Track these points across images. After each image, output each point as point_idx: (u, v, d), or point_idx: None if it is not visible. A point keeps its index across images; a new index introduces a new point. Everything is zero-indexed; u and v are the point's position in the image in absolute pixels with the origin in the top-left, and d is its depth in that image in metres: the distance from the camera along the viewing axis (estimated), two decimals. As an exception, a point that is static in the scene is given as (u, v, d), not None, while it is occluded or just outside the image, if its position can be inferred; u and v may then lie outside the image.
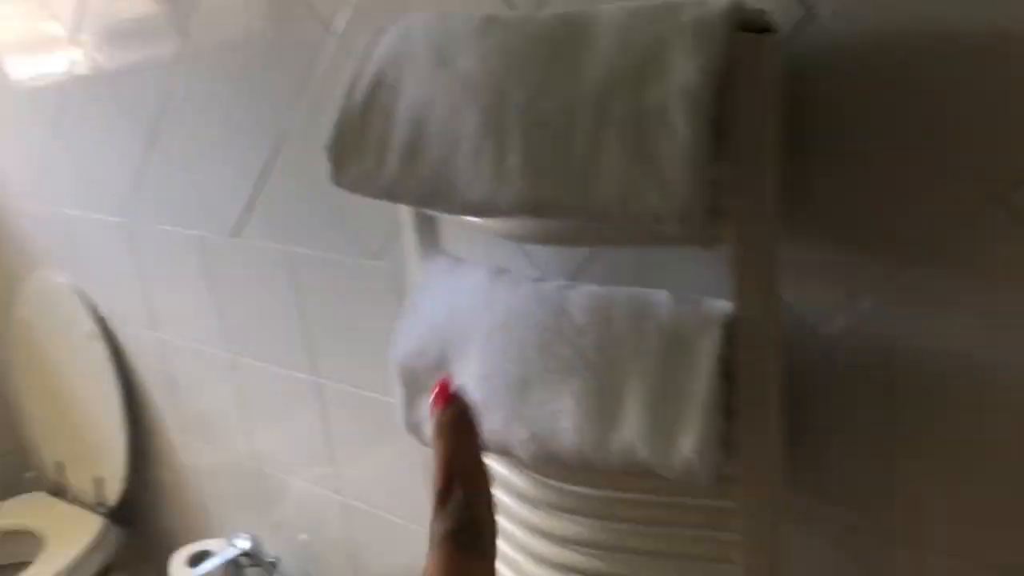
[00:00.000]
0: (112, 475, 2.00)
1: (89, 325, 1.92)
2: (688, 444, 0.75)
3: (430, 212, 0.93)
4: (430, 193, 0.74)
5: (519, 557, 1.03)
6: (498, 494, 1.02)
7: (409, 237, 0.99)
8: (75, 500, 2.17)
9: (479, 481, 0.40)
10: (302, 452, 1.54)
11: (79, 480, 2.14)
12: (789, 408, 0.82)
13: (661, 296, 0.80)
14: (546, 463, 0.94)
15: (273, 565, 1.67)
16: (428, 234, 0.99)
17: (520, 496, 0.99)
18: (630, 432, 0.77)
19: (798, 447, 0.89)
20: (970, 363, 0.77)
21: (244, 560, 1.66)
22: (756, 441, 0.81)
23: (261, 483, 1.67)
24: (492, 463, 1.01)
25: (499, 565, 1.08)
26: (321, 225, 1.30)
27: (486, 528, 0.39)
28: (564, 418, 0.80)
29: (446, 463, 0.40)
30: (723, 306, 0.78)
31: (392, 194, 0.78)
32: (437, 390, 0.43)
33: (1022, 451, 0.77)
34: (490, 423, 0.84)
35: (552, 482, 0.96)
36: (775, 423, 0.81)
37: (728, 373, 0.78)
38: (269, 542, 1.70)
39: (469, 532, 0.38)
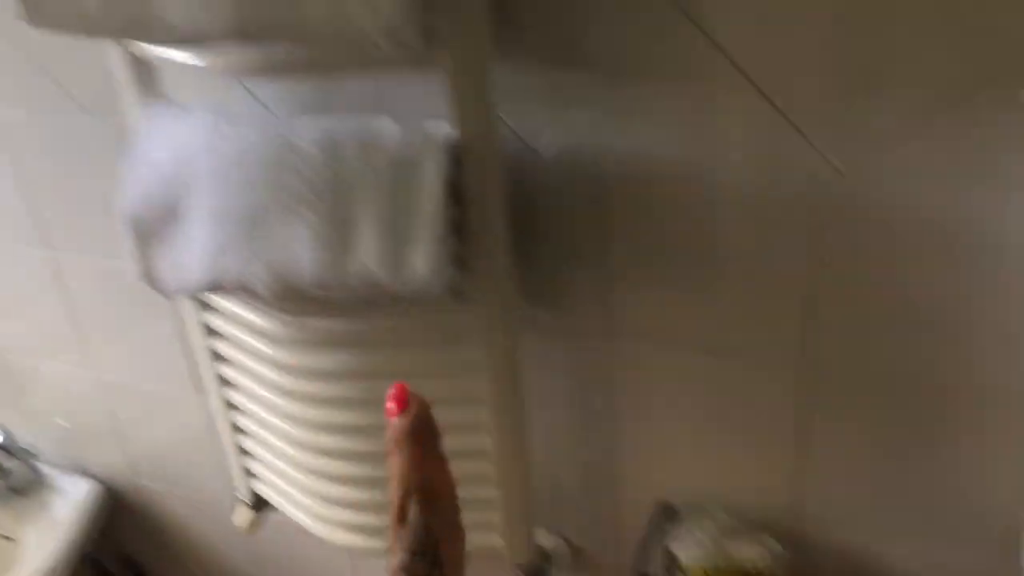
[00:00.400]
0: None
1: None
2: (420, 262, 0.79)
3: (142, 54, 0.88)
4: (131, 21, 0.71)
5: (271, 396, 1.06)
6: (244, 337, 1.03)
7: (125, 84, 0.94)
8: None
9: (439, 494, 0.36)
10: (48, 334, 1.47)
11: None
12: (516, 225, 0.88)
13: (387, 123, 0.82)
14: (289, 298, 0.95)
15: (30, 454, 1.60)
16: (146, 80, 0.94)
17: (267, 336, 1.01)
18: (366, 256, 0.80)
19: (526, 262, 0.95)
20: (674, 169, 0.86)
21: (-2, 453, 1.58)
22: (486, 258, 0.87)
23: (5, 372, 1.58)
24: (235, 307, 1.02)
25: (254, 407, 1.10)
26: (27, 83, 1.19)
27: (444, 550, 0.36)
28: (301, 249, 0.82)
29: (402, 479, 0.36)
30: (447, 130, 0.81)
31: (92, 27, 0.74)
32: (392, 395, 0.40)
33: (718, 242, 0.87)
34: (227, 262, 0.84)
35: (297, 318, 0.98)
36: (502, 240, 0.87)
37: (455, 194, 0.82)
38: (24, 431, 1.62)
39: (425, 560, 0.35)
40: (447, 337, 0.94)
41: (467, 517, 1.03)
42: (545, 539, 1.15)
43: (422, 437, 0.36)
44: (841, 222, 0.81)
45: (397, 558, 0.33)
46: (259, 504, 1.24)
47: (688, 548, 0.97)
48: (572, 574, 1.18)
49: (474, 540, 1.04)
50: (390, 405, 0.37)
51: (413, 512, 0.33)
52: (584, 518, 1.13)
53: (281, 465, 1.13)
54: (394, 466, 0.35)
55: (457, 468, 1.01)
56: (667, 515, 1.01)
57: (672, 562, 1.00)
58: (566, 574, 1.17)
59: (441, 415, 0.98)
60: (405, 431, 0.36)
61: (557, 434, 1.07)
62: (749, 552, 0.95)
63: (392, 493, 0.34)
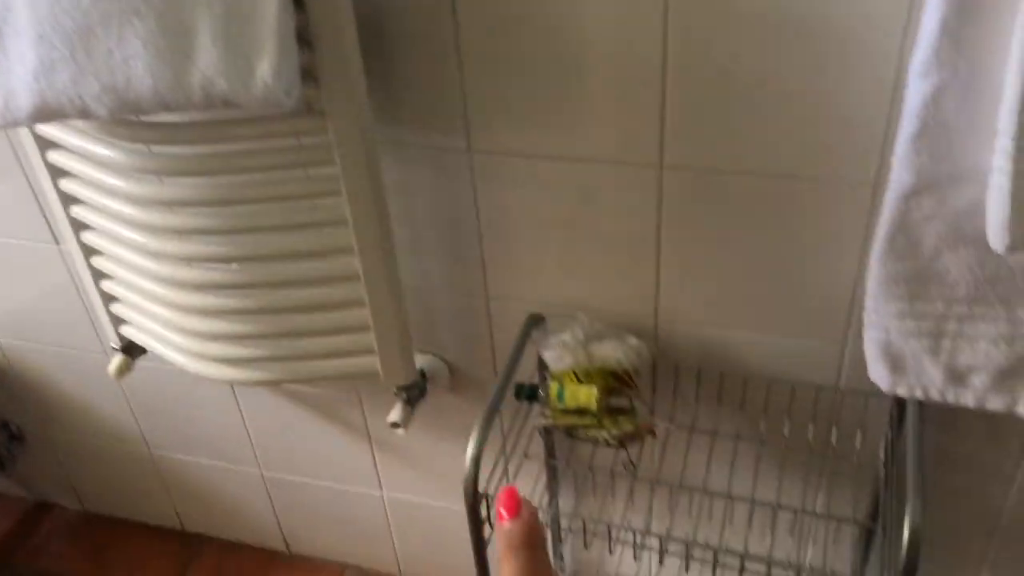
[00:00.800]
0: None
1: None
2: (264, 69, 0.76)
3: None
4: None
5: (129, 233, 1.03)
6: (93, 172, 0.99)
7: None
8: None
9: None
10: None
11: None
12: (366, 40, 0.85)
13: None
14: (131, 121, 0.92)
15: None
16: None
17: (115, 168, 0.97)
18: (206, 65, 0.77)
19: (380, 79, 0.93)
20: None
21: None
22: (335, 69, 0.84)
23: None
24: (79, 140, 0.97)
25: (115, 248, 1.06)
26: None
27: None
28: (135, 63, 0.77)
29: None
30: (283, -70, 0.77)
31: None
32: (503, 498, 0.39)
33: (572, 48, 0.87)
34: (56, 81, 0.79)
35: (145, 145, 0.94)
36: (352, 50, 0.84)
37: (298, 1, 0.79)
38: None
39: None
40: (304, 157, 0.92)
41: (344, 341, 1.06)
42: (422, 360, 1.18)
43: (535, 542, 0.37)
44: (692, 12, 0.81)
45: None
46: (132, 350, 1.22)
47: (556, 354, 1.01)
48: (450, 392, 1.21)
49: (353, 364, 1.07)
50: (500, 510, 0.37)
51: None
52: (459, 337, 1.15)
53: (149, 306, 1.11)
54: (508, 570, 0.36)
55: (329, 293, 1.02)
56: (536, 326, 1.05)
57: (543, 368, 1.04)
58: (444, 392, 1.21)
59: (305, 239, 0.98)
60: (521, 537, 0.37)
61: (426, 255, 1.08)
62: (613, 351, 0.99)
63: None
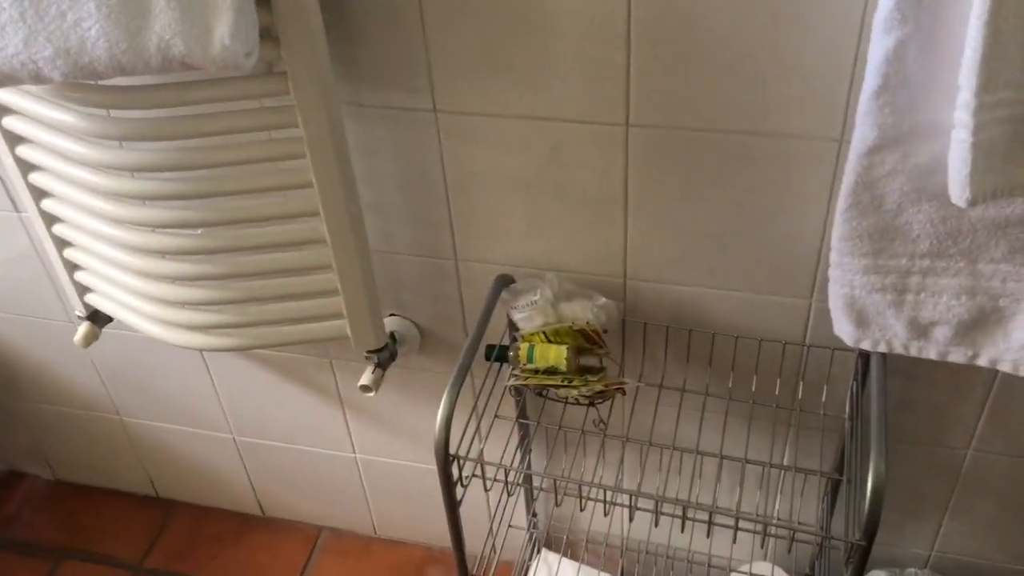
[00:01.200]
0: None
1: None
2: (222, 30, 0.74)
3: None
4: None
5: (92, 200, 1.01)
6: (52, 139, 0.97)
7: None
8: None
9: None
10: None
11: None
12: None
13: None
14: (88, 86, 0.90)
15: None
16: None
17: (74, 134, 0.95)
18: (162, 27, 0.75)
19: (342, 36, 0.92)
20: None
21: None
22: (295, 28, 0.83)
23: None
24: (37, 105, 0.95)
25: (77, 215, 1.05)
26: None
27: None
28: (88, 25, 0.75)
29: None
30: None
31: None
32: None
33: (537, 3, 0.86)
34: (7, 47, 0.77)
35: (104, 110, 0.92)
36: (312, 9, 0.83)
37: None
38: None
39: None
40: (266, 120, 0.91)
41: (312, 306, 1.05)
42: (392, 323, 1.17)
43: None
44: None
45: None
46: (98, 318, 1.21)
47: (525, 314, 1.01)
48: (421, 354, 1.22)
49: (322, 328, 1.07)
50: None
51: None
52: (428, 299, 1.15)
53: (114, 273, 1.10)
54: None
55: (296, 257, 1.01)
56: (505, 286, 1.05)
57: (513, 329, 1.05)
58: (415, 354, 1.21)
59: (270, 203, 0.97)
60: None
61: (393, 217, 1.07)
62: (582, 311, 1.00)
63: None
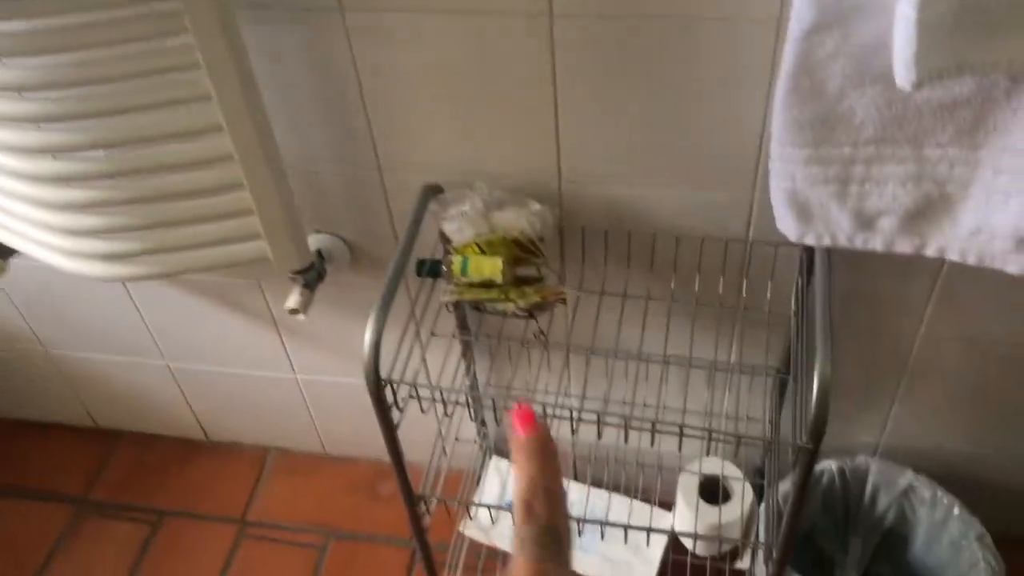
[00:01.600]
0: None
1: None
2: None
3: None
4: None
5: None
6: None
7: None
8: None
9: (560, 500, 0.42)
10: None
11: None
12: None
13: None
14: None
15: None
16: None
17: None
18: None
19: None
20: None
21: None
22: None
23: None
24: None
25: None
26: None
27: (565, 538, 0.41)
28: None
29: (532, 484, 0.42)
30: None
31: None
32: (519, 416, 0.44)
33: None
34: None
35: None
36: None
37: None
38: None
39: (552, 540, 0.40)
40: (154, 26, 0.82)
41: (226, 227, 0.98)
42: (319, 240, 1.11)
43: (549, 454, 0.43)
44: None
45: (529, 533, 0.40)
46: (3, 251, 1.13)
47: (456, 225, 0.95)
48: (351, 271, 1.16)
49: (240, 251, 1.00)
50: (517, 423, 0.43)
51: (540, 509, 0.41)
52: (355, 214, 1.09)
53: (13, 204, 1.01)
54: (526, 471, 0.42)
55: (203, 177, 0.94)
56: (434, 196, 0.98)
57: (446, 241, 0.99)
58: (346, 271, 1.15)
59: (168, 119, 0.89)
60: (538, 446, 0.43)
61: (307, 129, 1.00)
62: (516, 219, 0.94)
63: (522, 492, 0.41)
